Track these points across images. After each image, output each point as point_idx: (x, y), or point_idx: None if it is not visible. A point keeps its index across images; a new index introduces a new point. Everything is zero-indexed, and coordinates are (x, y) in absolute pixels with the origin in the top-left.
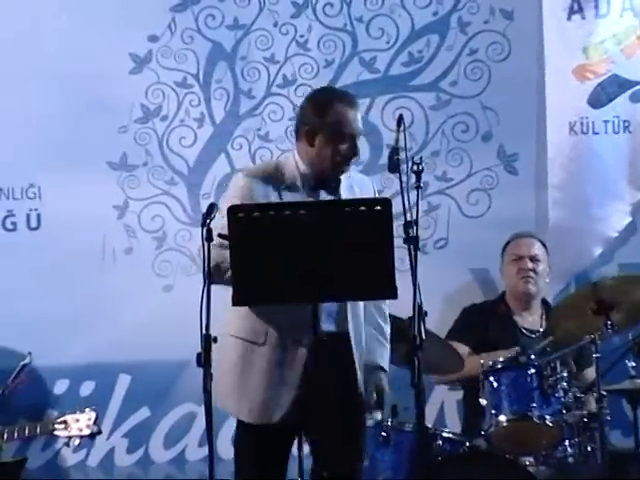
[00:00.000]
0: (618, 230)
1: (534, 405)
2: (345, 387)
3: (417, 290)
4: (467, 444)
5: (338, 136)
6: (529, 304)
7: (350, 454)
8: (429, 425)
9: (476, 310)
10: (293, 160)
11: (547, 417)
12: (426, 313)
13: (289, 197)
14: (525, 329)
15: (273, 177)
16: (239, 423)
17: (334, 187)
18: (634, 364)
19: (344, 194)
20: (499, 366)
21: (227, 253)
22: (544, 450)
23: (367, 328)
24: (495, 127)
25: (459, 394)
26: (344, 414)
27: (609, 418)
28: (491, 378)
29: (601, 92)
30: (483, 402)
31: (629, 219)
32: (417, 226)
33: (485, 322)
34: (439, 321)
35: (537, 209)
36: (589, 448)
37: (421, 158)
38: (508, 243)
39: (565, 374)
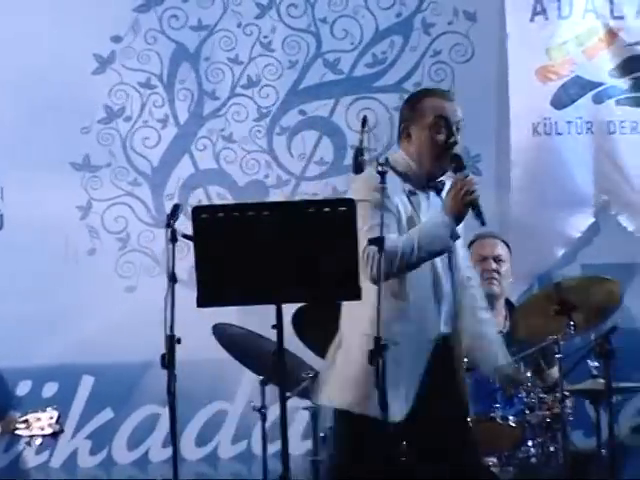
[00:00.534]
0: (581, 231)
1: (497, 406)
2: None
3: (380, 291)
4: None
5: (432, 125)
6: (493, 305)
7: None
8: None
9: None
10: (402, 158)
11: (510, 417)
12: None
13: (408, 192)
14: None
15: (391, 173)
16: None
17: (439, 190)
18: (596, 364)
19: None
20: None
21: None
22: (507, 450)
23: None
24: None
25: None
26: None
27: (571, 418)
28: None
29: (564, 93)
30: None
31: (592, 220)
32: (382, 227)
33: None
34: None
35: (500, 210)
36: (551, 448)
37: (386, 159)
38: (471, 243)
39: (528, 374)
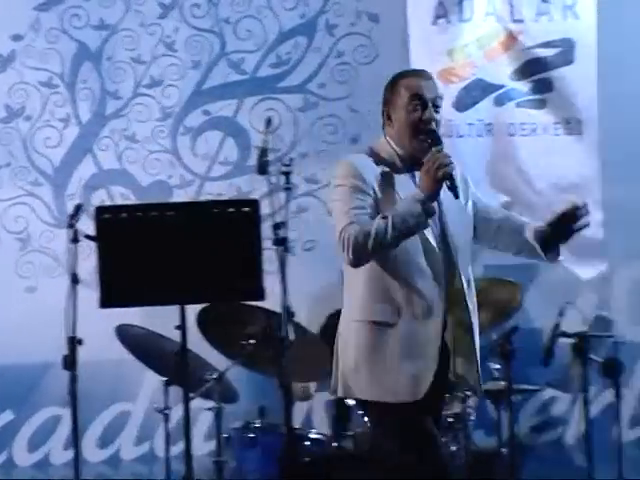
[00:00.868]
0: None
1: None
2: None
3: (285, 291)
4: (334, 445)
5: (407, 104)
6: None
7: None
8: (297, 426)
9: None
10: (386, 143)
11: None
12: (294, 314)
13: (393, 177)
14: None
15: (373, 159)
16: (378, 409)
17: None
18: (497, 366)
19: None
20: None
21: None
22: None
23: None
24: (363, 129)
25: (327, 395)
26: None
27: (473, 418)
28: None
29: (465, 95)
30: (351, 403)
31: None
32: (286, 227)
33: None
34: (307, 323)
35: None
36: (453, 448)
37: (290, 160)
38: None
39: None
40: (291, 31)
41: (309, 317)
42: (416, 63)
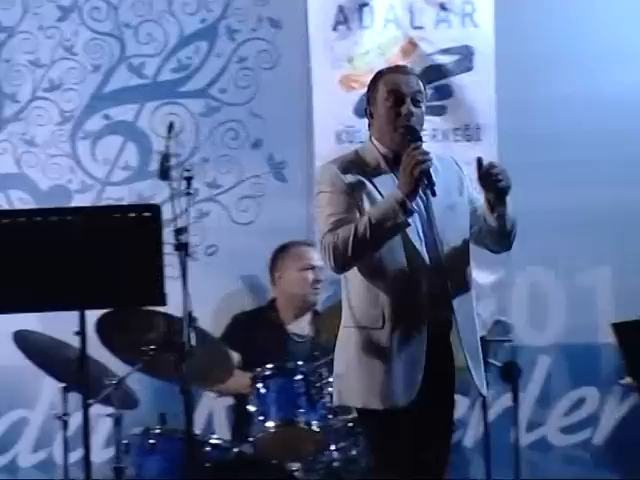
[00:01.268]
0: None
1: (301, 411)
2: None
3: (187, 297)
4: (234, 451)
5: (385, 100)
6: (306, 313)
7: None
8: (197, 432)
9: (246, 318)
10: (371, 144)
11: (313, 422)
12: (196, 320)
13: (379, 180)
14: (294, 334)
15: (357, 163)
16: (367, 415)
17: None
18: None
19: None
20: (267, 372)
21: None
22: (310, 455)
23: None
24: (264, 135)
25: (228, 400)
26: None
27: None
28: (259, 384)
29: None
30: (251, 408)
31: None
32: (187, 232)
33: (255, 329)
34: (209, 328)
35: (307, 217)
36: (354, 452)
37: (191, 165)
38: (285, 249)
39: (332, 379)
40: (192, 36)
41: (211, 322)
42: (317, 69)
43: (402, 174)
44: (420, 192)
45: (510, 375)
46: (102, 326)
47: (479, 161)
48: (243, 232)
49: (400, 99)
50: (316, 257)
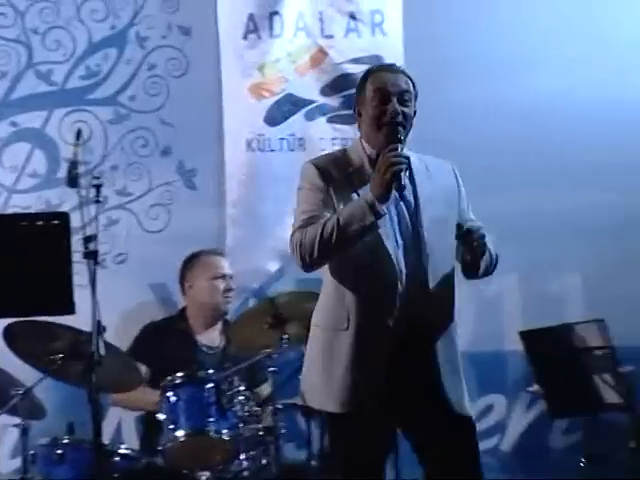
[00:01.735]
0: None
1: (211, 420)
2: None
3: (96, 305)
4: (144, 460)
5: (371, 98)
6: (216, 322)
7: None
8: (106, 442)
9: (154, 328)
10: (359, 143)
11: (224, 432)
12: (105, 329)
13: (358, 180)
14: (204, 345)
15: (341, 162)
16: (327, 418)
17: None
18: None
19: (417, 175)
20: (177, 381)
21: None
22: (220, 464)
23: None
24: (174, 142)
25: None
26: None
27: (284, 431)
28: (169, 393)
29: (277, 110)
30: (161, 417)
31: None
32: (96, 240)
33: (164, 340)
34: (118, 337)
35: (218, 225)
36: (264, 461)
37: (100, 172)
38: (195, 258)
39: (242, 388)
40: (101, 42)
41: (120, 331)
42: (227, 77)
43: (375, 175)
44: (409, 198)
45: None
46: (9, 335)
47: (458, 225)
48: (153, 240)
49: (386, 97)
50: (226, 265)
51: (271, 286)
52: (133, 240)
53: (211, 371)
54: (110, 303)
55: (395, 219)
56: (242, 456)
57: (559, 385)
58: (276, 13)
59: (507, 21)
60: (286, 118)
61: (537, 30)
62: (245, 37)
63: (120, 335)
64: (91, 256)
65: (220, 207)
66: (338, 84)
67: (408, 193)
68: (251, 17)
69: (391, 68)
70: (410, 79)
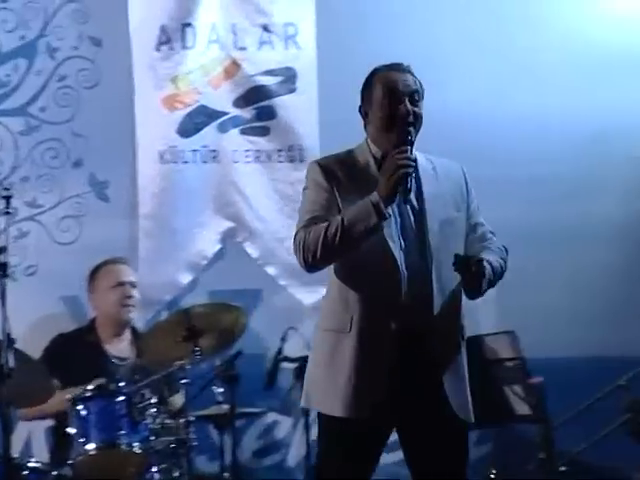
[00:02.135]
0: (207, 258)
1: (122, 433)
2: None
3: (6, 318)
4: (54, 474)
5: (382, 98)
6: (123, 331)
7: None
8: (15, 455)
9: (64, 341)
10: (365, 144)
11: (135, 444)
12: (15, 341)
13: (363, 181)
14: (115, 357)
15: (346, 162)
16: (328, 421)
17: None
18: (221, 390)
19: (424, 176)
20: (88, 394)
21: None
22: (132, 477)
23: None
24: (86, 154)
25: (48, 422)
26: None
27: (196, 443)
28: (79, 406)
29: (190, 122)
30: (71, 431)
31: (218, 247)
32: (6, 252)
33: (73, 352)
34: (28, 350)
35: (130, 237)
36: (176, 473)
37: (10, 184)
38: (98, 268)
39: (154, 400)
40: (11, 53)
41: (30, 343)
42: (140, 89)
43: (382, 176)
44: (413, 200)
45: None
46: None
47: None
48: (64, 252)
49: (398, 98)
50: (127, 273)
51: (184, 298)
52: (43, 252)
53: (122, 383)
54: (20, 316)
55: (399, 220)
56: (154, 469)
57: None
58: (189, 25)
59: (418, 33)
60: (199, 130)
61: (448, 39)
62: (157, 49)
63: (30, 348)
64: (1, 268)
65: (132, 219)
66: (251, 96)
67: (413, 194)
68: (163, 29)
69: (399, 67)
70: (417, 79)
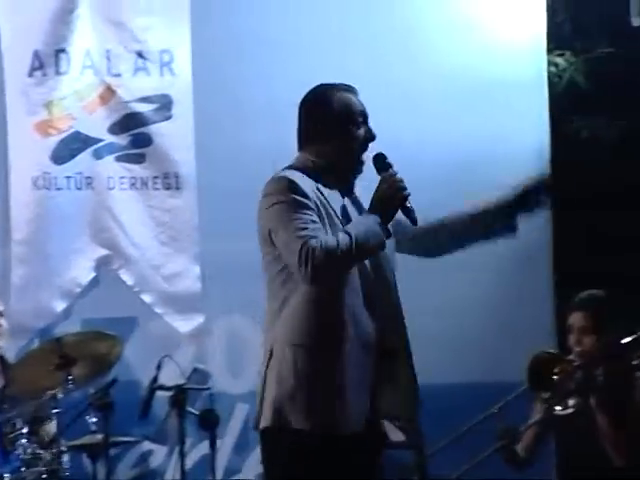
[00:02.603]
0: (82, 285)
1: None
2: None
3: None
4: None
5: (348, 120)
6: None
7: None
8: None
9: None
10: (314, 159)
11: (6, 475)
12: None
13: (331, 193)
14: None
15: (307, 174)
16: (298, 438)
17: (350, 187)
18: (95, 419)
19: (358, 193)
20: None
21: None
22: None
23: None
24: None
25: None
26: None
27: (68, 474)
28: None
29: (64, 148)
30: None
31: (93, 274)
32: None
33: None
34: None
35: (3, 264)
36: None
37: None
38: None
39: (25, 430)
40: None
41: None
42: (12, 114)
43: (381, 198)
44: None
45: (208, 423)
46: None
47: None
48: None
49: (360, 120)
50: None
51: (57, 326)
52: None
53: None
54: None
55: None
56: None
57: None
58: (62, 50)
59: (295, 61)
60: (74, 156)
61: (323, 72)
62: (30, 74)
63: None
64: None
65: (5, 246)
66: (127, 123)
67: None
68: (36, 54)
69: (352, 89)
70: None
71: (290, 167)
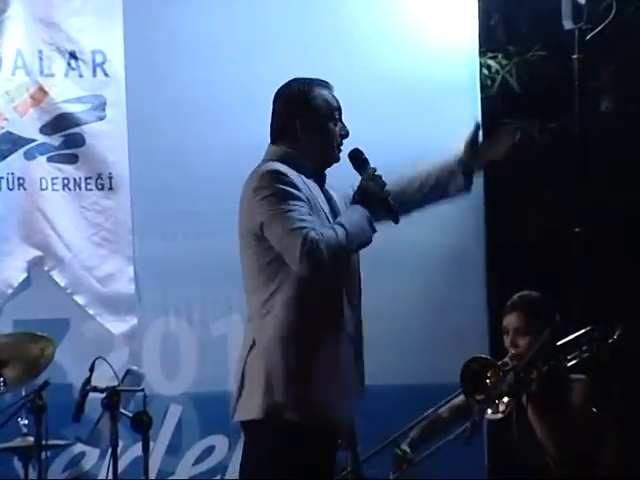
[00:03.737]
0: (13, 286)
1: None
2: None
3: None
4: None
5: (328, 116)
6: None
7: None
8: None
9: None
10: (293, 151)
11: None
12: None
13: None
14: None
15: (290, 165)
16: (286, 434)
17: (323, 180)
18: (26, 421)
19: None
20: None
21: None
22: None
23: None
24: None
25: None
26: None
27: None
28: None
29: None
30: None
31: (24, 275)
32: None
33: None
34: None
35: None
36: None
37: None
38: None
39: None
40: None
41: None
42: None
43: (368, 195)
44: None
45: (141, 425)
46: None
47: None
48: None
49: (337, 115)
50: None
51: None
52: None
53: None
54: None
55: None
56: None
57: None
58: None
59: (231, 64)
60: (5, 157)
61: (262, 75)
62: None
63: None
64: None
65: None
66: (59, 123)
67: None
68: None
69: (328, 85)
70: None
71: (271, 159)
